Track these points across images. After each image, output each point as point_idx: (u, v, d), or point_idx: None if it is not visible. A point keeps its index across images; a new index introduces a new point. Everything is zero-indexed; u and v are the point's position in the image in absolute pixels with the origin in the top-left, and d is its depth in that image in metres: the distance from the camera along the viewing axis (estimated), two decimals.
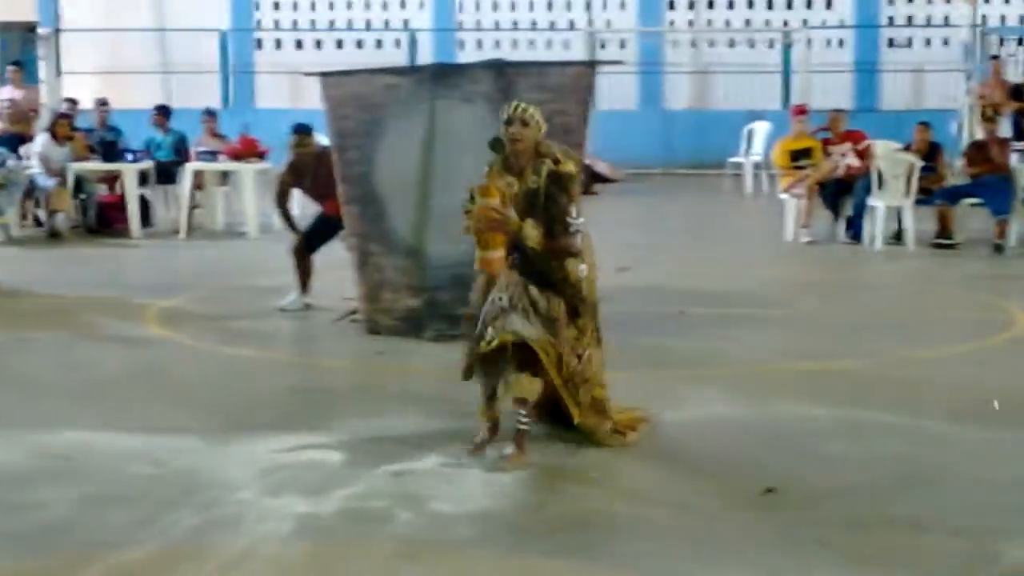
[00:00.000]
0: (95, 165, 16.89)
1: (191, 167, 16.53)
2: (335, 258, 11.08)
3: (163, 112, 17.89)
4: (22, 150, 16.86)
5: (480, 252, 6.67)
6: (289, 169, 11.45)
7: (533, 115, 6.68)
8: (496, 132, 6.81)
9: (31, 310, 11.66)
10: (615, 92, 24.87)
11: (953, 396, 8.30)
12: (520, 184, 6.65)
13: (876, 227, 15.24)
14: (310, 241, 11.32)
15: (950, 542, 5.60)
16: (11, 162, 15.57)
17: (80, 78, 25.56)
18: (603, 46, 26.16)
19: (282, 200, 11.55)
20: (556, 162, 6.68)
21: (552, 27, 26.66)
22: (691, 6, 26.58)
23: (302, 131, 11.34)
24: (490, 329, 6.63)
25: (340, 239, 10.92)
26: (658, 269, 13.68)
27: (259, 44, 27.41)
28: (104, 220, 16.80)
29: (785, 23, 26.23)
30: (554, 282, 6.73)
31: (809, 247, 15.41)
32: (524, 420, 6.68)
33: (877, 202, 15.26)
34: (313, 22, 27.25)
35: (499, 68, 10.31)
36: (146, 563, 5.41)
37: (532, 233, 6.63)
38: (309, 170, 11.27)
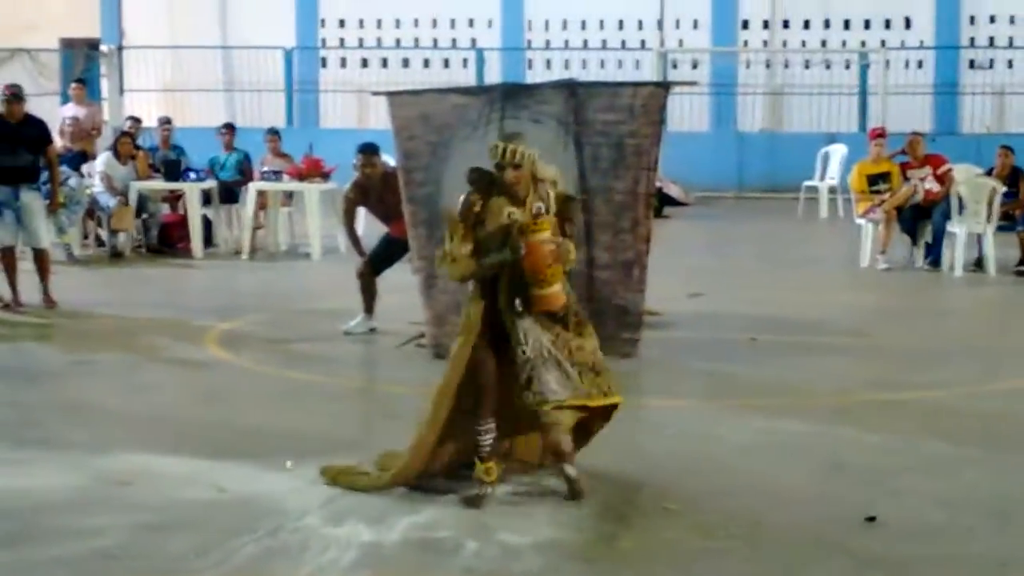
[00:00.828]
0: (157, 184, 16.78)
1: (254, 187, 16.41)
2: (402, 281, 10.94)
3: (230, 129, 17.78)
4: (84, 168, 16.78)
5: (539, 291, 6.56)
6: (354, 187, 11.30)
7: (523, 153, 6.62)
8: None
9: (91, 331, 11.60)
10: (687, 113, 24.63)
11: None
12: (524, 212, 6.63)
13: (956, 253, 14.92)
14: (375, 263, 11.17)
15: None
16: (73, 180, 15.47)
17: (143, 96, 25.57)
18: (675, 66, 25.88)
19: (348, 219, 11.45)
20: (554, 183, 6.80)
21: (623, 46, 26.38)
22: (766, 26, 26.24)
23: (369, 150, 11.17)
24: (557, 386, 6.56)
25: (407, 261, 10.74)
26: (729, 295, 13.42)
27: (324, 63, 27.24)
28: (166, 240, 16.73)
29: (863, 43, 25.79)
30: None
31: (886, 274, 15.12)
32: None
33: (957, 228, 14.94)
34: (379, 40, 27.06)
35: (570, 88, 10.15)
36: None
37: (574, 255, 6.81)
38: (375, 190, 11.12)
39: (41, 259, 12.47)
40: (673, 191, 21.99)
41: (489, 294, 6.62)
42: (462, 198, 6.71)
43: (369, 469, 6.76)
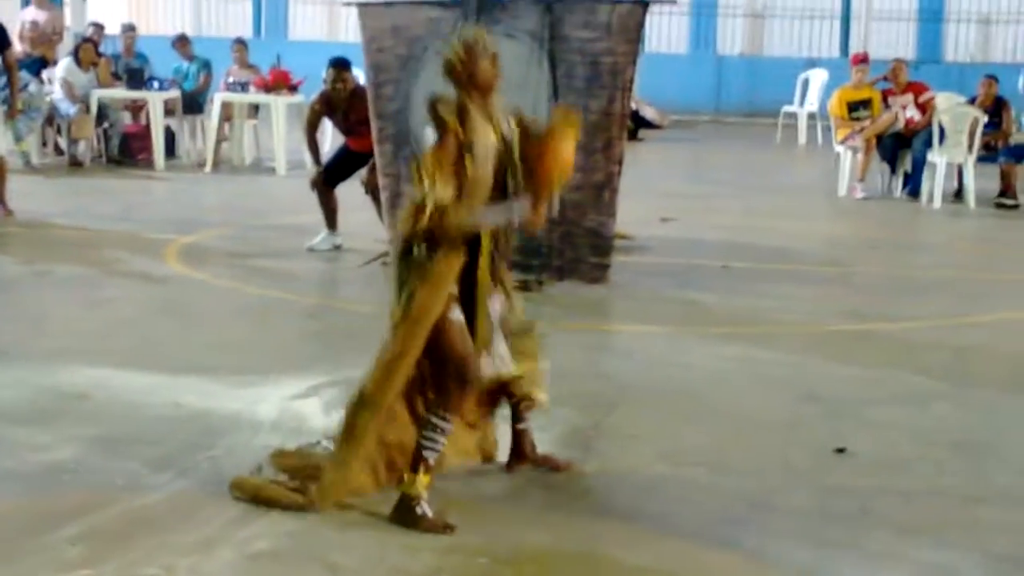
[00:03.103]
0: (120, 93, 16.42)
1: (219, 98, 16.11)
2: (363, 199, 10.76)
3: (183, 42, 17.50)
4: (44, 74, 16.32)
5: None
6: (321, 98, 11.02)
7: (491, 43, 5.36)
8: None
9: (49, 242, 11.37)
10: (665, 34, 24.34)
11: (1010, 363, 8.09)
12: (496, 136, 5.26)
13: (935, 184, 14.72)
14: (329, 174, 10.97)
15: (1005, 515, 5.49)
16: (32, 87, 15.00)
17: (107, 2, 25.04)
18: None
19: (310, 128, 11.17)
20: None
21: None
22: None
23: (340, 65, 10.88)
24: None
25: (359, 178, 10.55)
26: (703, 221, 13.24)
27: None
28: (127, 150, 16.37)
29: None
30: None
31: (864, 203, 14.97)
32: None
33: (937, 158, 14.74)
34: None
35: (546, 3, 9.85)
36: (162, 507, 5.24)
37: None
38: (342, 104, 10.86)
39: None
40: (648, 113, 21.77)
41: (471, 244, 5.25)
42: (433, 132, 5.23)
43: (287, 482, 5.39)
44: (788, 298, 9.81)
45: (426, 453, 5.09)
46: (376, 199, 10.47)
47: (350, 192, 11.02)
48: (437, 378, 5.20)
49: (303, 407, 6.53)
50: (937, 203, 14.62)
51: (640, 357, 7.92)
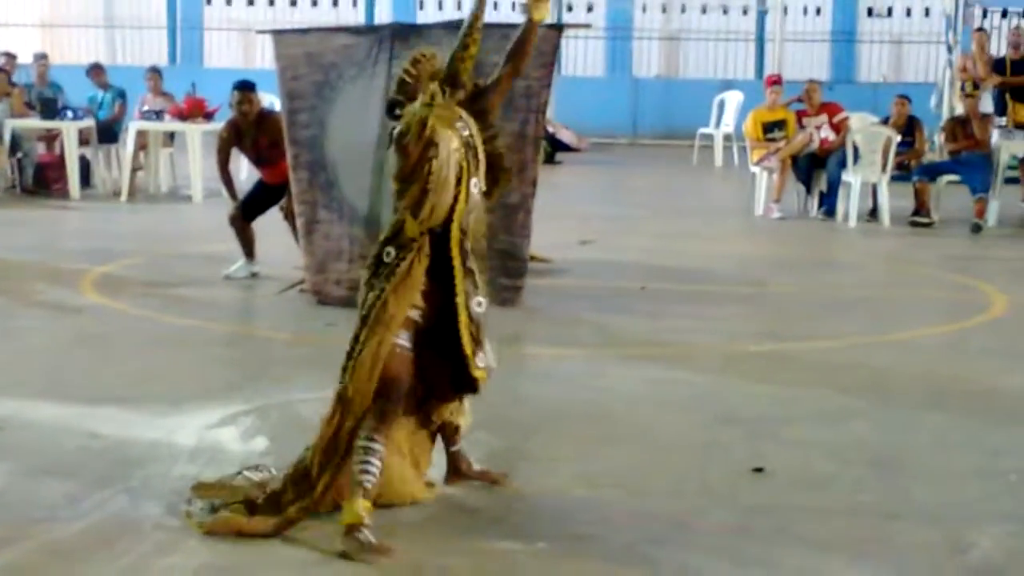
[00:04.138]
0: (33, 123, 16.31)
1: (135, 126, 16.01)
2: (286, 226, 10.68)
3: (98, 70, 17.38)
4: None
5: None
6: (228, 126, 10.94)
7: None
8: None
9: None
10: (581, 58, 24.42)
11: (925, 380, 8.14)
12: (458, 141, 5.33)
13: (850, 203, 14.89)
14: (246, 209, 10.91)
15: (920, 531, 5.42)
16: None
17: (19, 31, 24.84)
18: (570, 9, 25.67)
19: (222, 159, 10.97)
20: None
21: None
22: None
23: (245, 87, 10.81)
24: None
25: (279, 209, 10.52)
26: (621, 243, 13.29)
27: (208, 0, 26.68)
28: (42, 180, 16.25)
29: None
30: None
31: (780, 223, 15.08)
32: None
33: (852, 177, 14.89)
34: None
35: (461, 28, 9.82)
36: (79, 539, 5.14)
37: None
38: (250, 129, 10.77)
39: None
40: (565, 137, 21.85)
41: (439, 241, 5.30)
42: (405, 131, 5.23)
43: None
44: (706, 319, 9.85)
45: (362, 478, 5.01)
46: (294, 225, 10.42)
47: (267, 219, 10.96)
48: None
49: (221, 436, 6.45)
50: (852, 222, 14.76)
51: (557, 380, 7.90)
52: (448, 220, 5.28)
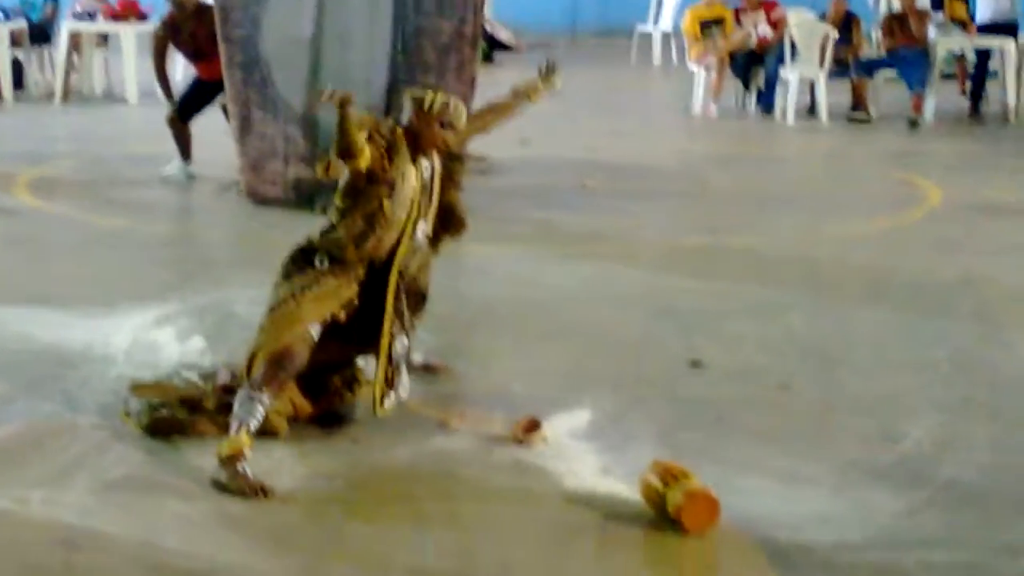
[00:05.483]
0: None
1: (68, 27, 15.72)
2: (223, 126, 10.54)
3: None
4: None
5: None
6: (164, 24, 10.76)
7: (460, 111, 5.31)
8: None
9: None
10: None
11: (861, 274, 8.23)
12: (417, 182, 5.22)
13: (788, 100, 14.86)
14: (183, 108, 10.74)
15: (854, 422, 5.51)
16: None
17: None
18: None
19: (158, 58, 10.83)
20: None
21: None
22: None
23: None
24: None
25: (218, 104, 10.38)
26: (560, 141, 13.24)
27: None
28: None
29: None
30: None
31: (718, 120, 15.07)
32: None
33: (790, 74, 14.87)
34: None
35: None
36: (14, 440, 5.12)
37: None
38: (187, 23, 10.59)
39: None
40: (503, 36, 21.69)
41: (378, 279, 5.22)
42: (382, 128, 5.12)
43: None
44: (644, 215, 9.88)
45: (246, 418, 4.82)
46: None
47: (203, 119, 10.84)
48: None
49: (157, 336, 6.40)
50: (790, 119, 14.77)
51: (496, 277, 7.91)
52: (389, 259, 5.20)
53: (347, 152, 4.90)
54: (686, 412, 5.56)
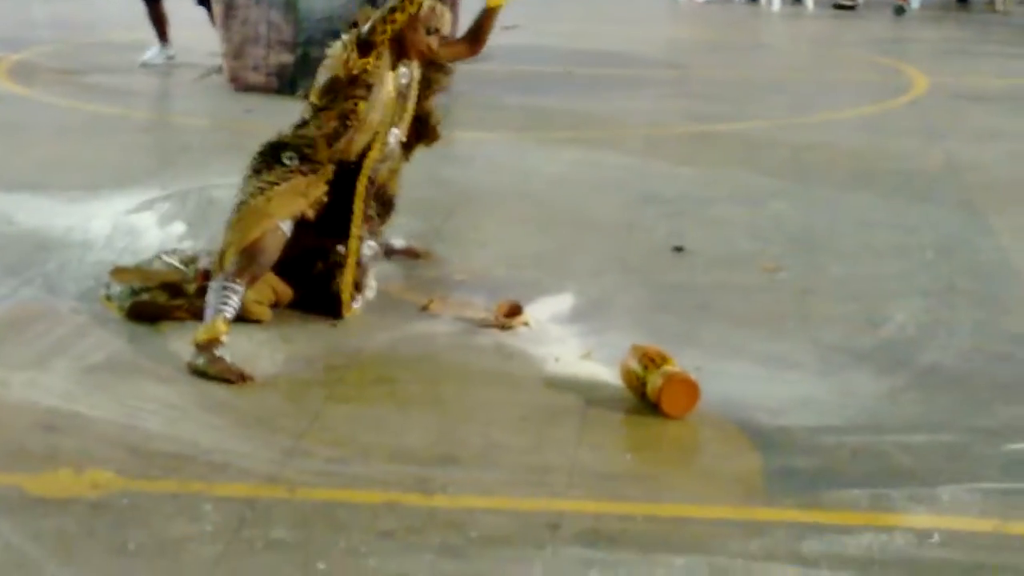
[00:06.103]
0: None
1: None
2: (202, 12, 10.45)
3: None
4: None
5: None
6: None
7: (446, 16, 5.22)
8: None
9: None
10: None
11: (847, 160, 8.18)
12: (394, 89, 5.19)
13: None
14: None
15: (837, 306, 5.50)
16: None
17: None
18: None
19: None
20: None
21: None
22: None
23: None
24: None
25: None
26: (546, 27, 13.15)
27: None
28: None
29: None
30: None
31: (705, 6, 15.00)
32: None
33: None
34: None
35: None
36: None
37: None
38: None
39: None
40: None
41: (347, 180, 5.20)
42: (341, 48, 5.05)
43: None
44: (629, 101, 9.84)
45: (222, 307, 4.79)
46: (211, 9, 10.19)
47: (183, 6, 10.72)
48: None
49: (137, 222, 6.38)
50: (776, 5, 14.69)
51: (480, 163, 7.88)
52: (360, 162, 5.17)
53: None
54: (669, 297, 5.54)
